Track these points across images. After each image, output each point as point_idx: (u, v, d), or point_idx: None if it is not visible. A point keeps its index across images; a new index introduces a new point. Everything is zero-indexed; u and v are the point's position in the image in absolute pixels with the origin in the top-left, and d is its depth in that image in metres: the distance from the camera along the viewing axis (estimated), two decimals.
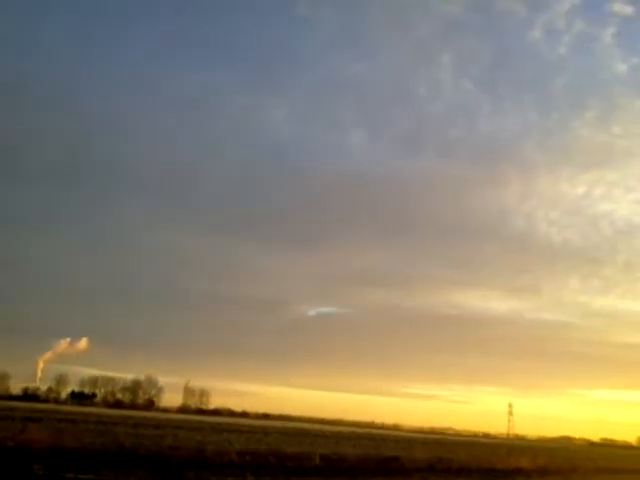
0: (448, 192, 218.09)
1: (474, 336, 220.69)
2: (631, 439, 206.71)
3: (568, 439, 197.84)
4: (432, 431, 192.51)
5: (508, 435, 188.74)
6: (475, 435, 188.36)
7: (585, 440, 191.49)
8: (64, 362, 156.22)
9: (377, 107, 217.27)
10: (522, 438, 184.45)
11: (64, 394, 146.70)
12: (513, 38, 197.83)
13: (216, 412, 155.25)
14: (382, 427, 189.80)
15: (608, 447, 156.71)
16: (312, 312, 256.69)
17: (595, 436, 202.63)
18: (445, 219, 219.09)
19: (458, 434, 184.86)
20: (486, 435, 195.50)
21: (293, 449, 30.55)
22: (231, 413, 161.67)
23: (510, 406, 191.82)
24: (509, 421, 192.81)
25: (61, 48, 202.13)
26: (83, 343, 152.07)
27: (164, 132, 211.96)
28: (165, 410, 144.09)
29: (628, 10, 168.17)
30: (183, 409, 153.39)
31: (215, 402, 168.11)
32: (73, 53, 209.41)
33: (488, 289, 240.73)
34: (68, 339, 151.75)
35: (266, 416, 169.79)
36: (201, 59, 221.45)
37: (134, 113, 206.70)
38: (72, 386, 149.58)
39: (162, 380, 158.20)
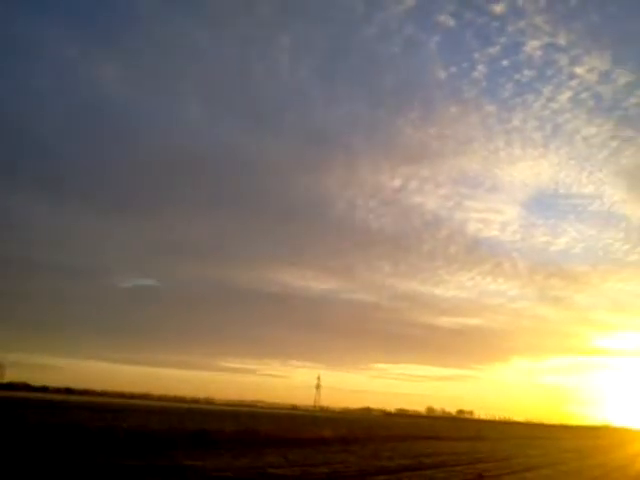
0: (278, 173, 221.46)
1: (292, 313, 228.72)
2: (421, 409, 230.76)
3: (368, 410, 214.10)
4: (244, 404, 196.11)
5: (315, 407, 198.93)
6: (285, 407, 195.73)
7: (382, 411, 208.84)
8: None
9: (216, 81, 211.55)
10: (327, 410, 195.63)
11: None
12: (350, 32, 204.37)
13: (11, 386, 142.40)
14: (194, 401, 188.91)
15: (401, 417, 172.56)
16: (127, 284, 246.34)
17: (391, 407, 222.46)
18: (273, 199, 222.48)
19: (270, 407, 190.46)
20: (295, 407, 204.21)
21: (96, 424, 28.92)
22: (28, 387, 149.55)
23: (318, 379, 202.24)
24: (316, 394, 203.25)
25: None
26: None
27: None
28: None
29: (451, 23, 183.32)
30: None
31: (11, 376, 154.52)
32: None
33: (308, 269, 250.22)
34: None
35: (69, 391, 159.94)
36: (23, 6, 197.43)
37: None
38: None
39: None
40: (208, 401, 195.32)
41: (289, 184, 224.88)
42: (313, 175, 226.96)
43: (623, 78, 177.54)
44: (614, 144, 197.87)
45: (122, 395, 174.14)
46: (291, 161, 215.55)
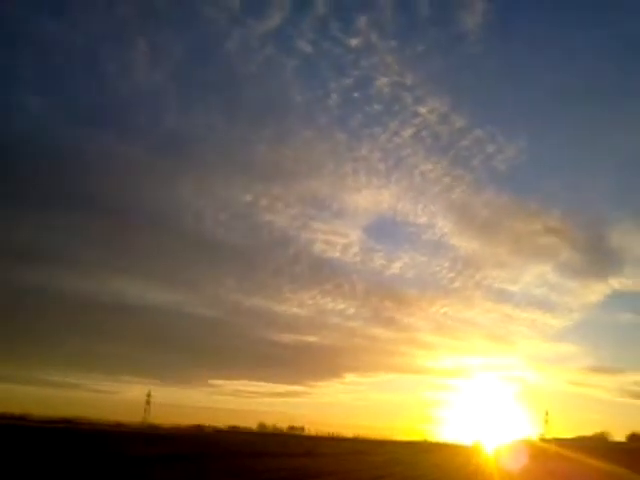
0: (122, 177, 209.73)
1: (127, 326, 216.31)
2: (253, 426, 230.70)
3: (200, 427, 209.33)
4: (64, 421, 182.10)
5: (143, 424, 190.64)
6: (111, 425, 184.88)
7: (214, 428, 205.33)
8: None
9: (61, 74, 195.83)
10: (157, 427, 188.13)
11: None
12: (210, 43, 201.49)
13: None
14: (6, 417, 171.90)
15: (234, 434, 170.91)
16: None
17: (224, 424, 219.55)
18: (114, 203, 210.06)
19: (93, 424, 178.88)
20: (120, 425, 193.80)
21: None
22: None
23: (148, 395, 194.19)
24: (145, 410, 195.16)
25: None
26: None
27: None
28: None
29: (309, 49, 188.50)
30: None
31: None
32: None
33: (148, 280, 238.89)
34: None
35: None
36: None
37: None
38: None
39: None
40: (23, 417, 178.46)
41: (134, 190, 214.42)
42: (161, 182, 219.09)
43: (458, 122, 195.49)
44: (447, 180, 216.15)
45: None
46: (138, 166, 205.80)
